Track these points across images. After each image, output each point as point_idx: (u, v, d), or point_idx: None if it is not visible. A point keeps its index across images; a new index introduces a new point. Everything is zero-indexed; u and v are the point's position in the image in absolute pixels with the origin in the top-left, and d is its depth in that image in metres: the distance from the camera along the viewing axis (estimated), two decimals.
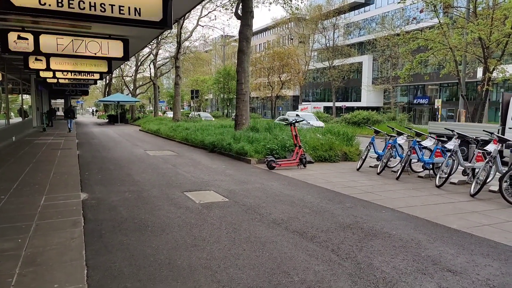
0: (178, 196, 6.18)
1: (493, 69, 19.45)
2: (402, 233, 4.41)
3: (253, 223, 4.78)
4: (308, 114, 28.94)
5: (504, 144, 7.21)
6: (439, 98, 34.81)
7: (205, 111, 58.10)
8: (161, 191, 6.53)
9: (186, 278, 3.23)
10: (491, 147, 6.50)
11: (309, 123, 21.02)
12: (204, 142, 13.25)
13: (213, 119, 33.33)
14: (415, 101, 43.50)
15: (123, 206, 5.51)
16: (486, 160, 6.38)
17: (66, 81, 17.64)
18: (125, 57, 8.71)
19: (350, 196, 6.36)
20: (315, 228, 4.58)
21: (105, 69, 10.38)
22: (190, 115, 33.04)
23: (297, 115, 26.30)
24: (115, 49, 8.46)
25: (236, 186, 7.01)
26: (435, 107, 30.05)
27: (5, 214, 4.86)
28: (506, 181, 5.80)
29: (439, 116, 31.66)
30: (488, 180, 6.72)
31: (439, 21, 21.28)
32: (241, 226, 4.63)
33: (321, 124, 22.70)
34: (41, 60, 9.54)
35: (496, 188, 6.47)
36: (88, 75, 12.33)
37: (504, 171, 6.11)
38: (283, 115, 35.30)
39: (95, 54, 8.30)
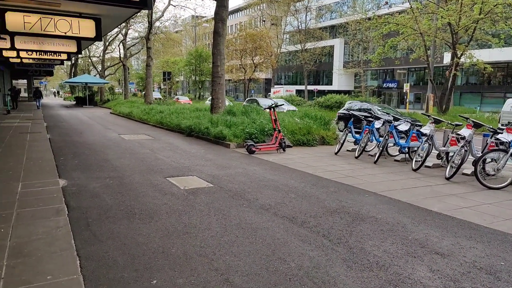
0: (162, 182, 6.07)
1: (461, 55, 20.19)
2: (388, 217, 4.57)
3: (241, 209, 4.80)
4: None
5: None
6: (407, 82, 35.86)
7: (176, 94, 56.77)
8: (143, 177, 6.38)
9: (183, 266, 3.21)
10: (465, 132, 6.78)
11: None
12: (181, 126, 13.00)
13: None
14: (384, 85, 44.62)
15: (106, 193, 5.35)
16: (461, 144, 6.67)
17: (31, 61, 16.61)
18: (98, 37, 8.32)
19: (333, 180, 6.49)
20: (304, 213, 4.66)
21: (74, 49, 9.93)
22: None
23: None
24: (86, 28, 8.07)
25: (219, 171, 6.97)
26: (404, 91, 30.97)
27: None
28: (480, 165, 6.11)
29: (407, 100, 32.70)
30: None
31: (410, 6, 21.69)
32: (230, 213, 4.64)
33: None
34: (5, 39, 8.90)
35: (469, 171, 6.78)
36: (55, 55, 11.73)
37: (478, 156, 6.43)
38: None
39: (65, 33, 7.87)
